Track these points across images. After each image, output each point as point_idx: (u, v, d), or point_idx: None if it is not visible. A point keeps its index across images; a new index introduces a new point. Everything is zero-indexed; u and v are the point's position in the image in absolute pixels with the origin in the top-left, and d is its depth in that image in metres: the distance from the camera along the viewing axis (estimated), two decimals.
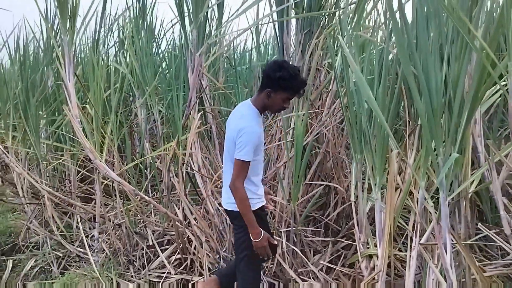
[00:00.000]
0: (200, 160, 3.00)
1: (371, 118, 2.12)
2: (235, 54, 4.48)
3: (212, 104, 3.57)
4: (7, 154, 2.93)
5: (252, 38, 4.05)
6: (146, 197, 2.44)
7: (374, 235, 2.17)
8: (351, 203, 2.75)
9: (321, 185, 2.78)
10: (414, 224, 1.99)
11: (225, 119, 3.64)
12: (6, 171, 5.59)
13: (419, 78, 1.65)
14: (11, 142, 3.69)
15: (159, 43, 5.06)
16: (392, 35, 2.26)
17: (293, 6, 2.98)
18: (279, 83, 1.92)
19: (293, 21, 3.06)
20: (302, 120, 2.49)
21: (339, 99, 2.67)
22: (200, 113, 3.14)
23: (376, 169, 2.05)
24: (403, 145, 2.15)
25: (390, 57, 2.36)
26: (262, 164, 2.16)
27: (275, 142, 2.88)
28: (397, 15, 1.81)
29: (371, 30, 2.48)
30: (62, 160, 3.91)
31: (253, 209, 2.02)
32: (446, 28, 1.75)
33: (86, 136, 2.97)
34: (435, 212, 1.86)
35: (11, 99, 3.83)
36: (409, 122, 2.11)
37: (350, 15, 2.71)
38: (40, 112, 3.91)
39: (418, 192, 1.97)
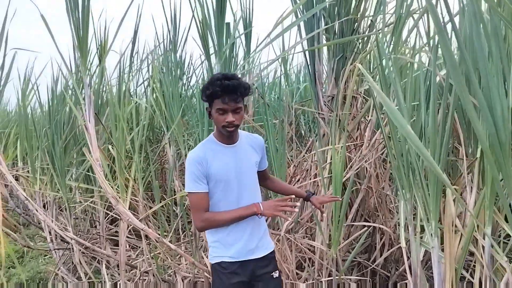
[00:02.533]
0: None
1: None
2: (264, 85, 4.30)
3: None
4: (30, 200, 2.81)
5: (280, 66, 3.84)
6: (171, 245, 2.23)
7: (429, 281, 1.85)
8: (399, 246, 2.45)
9: (364, 226, 2.48)
10: (480, 278, 1.67)
11: None
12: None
13: (481, 106, 1.38)
14: (38, 186, 3.60)
15: (189, 78, 4.97)
16: (439, 55, 2.00)
17: (324, 32, 2.78)
18: (204, 97, 1.75)
19: (325, 47, 2.86)
20: (339, 153, 2.23)
21: (380, 129, 2.40)
22: None
23: (430, 212, 1.75)
24: (460, 182, 1.85)
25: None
26: (235, 203, 1.78)
27: (310, 179, 2.63)
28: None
29: (412, 52, 2.22)
30: (91, 202, 3.79)
31: (213, 262, 1.83)
32: (508, 45, 1.48)
33: (113, 178, 2.83)
34: (508, 263, 1.54)
35: (39, 141, 3.77)
36: (465, 155, 1.81)
37: (388, 36, 2.46)
38: (71, 152, 3.84)
39: (484, 238, 1.66)
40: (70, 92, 4.19)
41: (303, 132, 4.82)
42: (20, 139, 5.41)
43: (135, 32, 4.51)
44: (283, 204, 1.70)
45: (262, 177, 2.00)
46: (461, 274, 1.77)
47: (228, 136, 1.79)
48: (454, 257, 1.68)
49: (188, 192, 1.74)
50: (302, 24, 2.82)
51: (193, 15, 2.79)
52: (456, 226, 1.76)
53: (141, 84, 4.98)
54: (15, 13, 3.38)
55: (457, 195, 1.54)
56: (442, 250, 1.82)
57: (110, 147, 3.20)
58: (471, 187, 1.79)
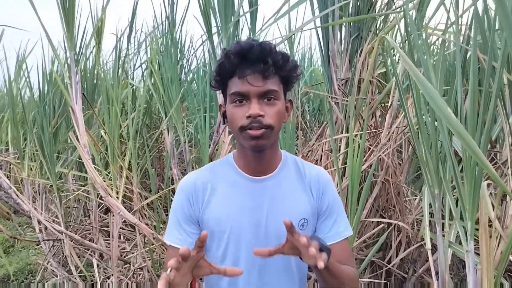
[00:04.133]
0: None
1: (452, 137, 1.61)
2: None
3: None
4: (16, 190, 2.57)
5: (286, 48, 3.58)
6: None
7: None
8: (419, 244, 2.22)
9: (379, 222, 2.25)
10: None
11: None
12: (33, 199, 5.34)
13: None
14: (27, 173, 3.36)
15: (189, 61, 4.71)
16: (477, 32, 1.75)
17: (338, 9, 2.52)
18: (214, 81, 1.07)
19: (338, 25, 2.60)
20: (357, 142, 2.00)
21: (402, 115, 2.16)
22: (230, 136, 2.71)
23: (466, 211, 1.51)
24: (502, 176, 1.61)
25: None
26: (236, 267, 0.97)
27: None
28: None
29: (445, 30, 1.96)
30: (84, 191, 3.56)
31: None
32: None
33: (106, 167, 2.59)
34: None
35: (27, 125, 3.53)
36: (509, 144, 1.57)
37: (411, 13, 2.21)
38: (63, 137, 3.61)
39: None
40: (60, 72, 3.94)
41: (307, 121, 4.59)
42: (11, 123, 5.17)
43: (133, 13, 4.26)
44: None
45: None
46: (501, 282, 1.54)
47: (252, 156, 1.06)
48: (492, 264, 1.45)
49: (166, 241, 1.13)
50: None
51: None
52: (494, 227, 1.53)
53: (138, 67, 4.73)
54: None
55: (502, 185, 1.30)
56: (476, 253, 1.59)
57: (103, 132, 2.95)
58: None
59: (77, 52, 2.54)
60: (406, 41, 1.76)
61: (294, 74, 1.05)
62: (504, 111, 1.64)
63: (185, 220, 1.10)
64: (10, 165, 5.11)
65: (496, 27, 1.79)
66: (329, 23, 2.34)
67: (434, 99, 1.30)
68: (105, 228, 3.67)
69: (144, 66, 4.64)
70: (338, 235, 1.13)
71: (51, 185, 3.69)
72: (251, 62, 0.98)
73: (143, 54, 4.76)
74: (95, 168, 2.16)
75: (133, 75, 4.63)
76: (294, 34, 3.01)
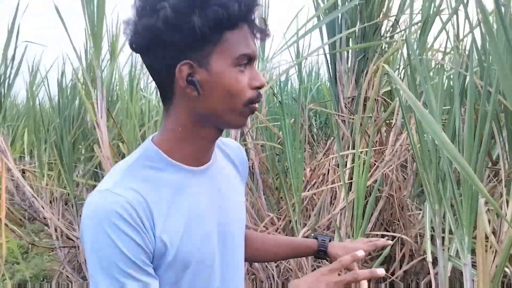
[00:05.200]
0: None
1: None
2: (278, 85, 4.20)
3: (255, 138, 3.27)
4: (37, 197, 2.72)
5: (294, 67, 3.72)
6: None
7: None
8: (422, 258, 2.33)
9: (384, 235, 2.36)
10: None
11: (268, 155, 3.33)
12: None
13: None
14: (45, 181, 3.52)
15: None
16: (475, 56, 1.88)
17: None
18: (198, 26, 0.69)
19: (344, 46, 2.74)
20: (363, 158, 2.12)
21: (405, 134, 2.28)
22: None
23: (463, 226, 1.63)
24: (498, 193, 1.73)
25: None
26: None
27: (327, 184, 2.51)
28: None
29: (444, 53, 2.10)
30: None
31: None
32: None
33: None
34: None
35: (47, 135, 3.70)
36: (504, 163, 1.69)
37: (414, 36, 2.35)
38: (80, 147, 3.76)
39: None
40: (80, 86, 4.11)
41: (314, 134, 4.72)
42: (28, 133, 5.35)
43: None
44: (349, 280, 0.78)
45: None
46: None
47: (215, 139, 0.82)
48: (488, 275, 1.56)
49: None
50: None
51: None
52: (490, 241, 1.64)
53: (152, 81, 4.90)
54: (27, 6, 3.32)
55: (495, 206, 1.41)
56: (473, 266, 1.70)
57: (120, 143, 3.10)
58: (507, 200, 1.66)
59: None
60: (408, 66, 1.90)
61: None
62: (499, 133, 1.76)
63: (146, 257, 0.72)
64: (24, 172, 5.28)
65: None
66: (337, 50, 2.48)
67: (432, 126, 1.41)
68: None
69: None
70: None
71: (67, 194, 3.85)
72: (254, 17, 0.74)
73: None
74: None
75: (148, 87, 4.80)
76: (305, 58, 3.14)
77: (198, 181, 0.80)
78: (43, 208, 2.73)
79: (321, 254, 1.11)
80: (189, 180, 0.79)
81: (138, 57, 4.35)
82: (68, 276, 3.37)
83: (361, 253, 0.83)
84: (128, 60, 4.01)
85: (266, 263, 2.49)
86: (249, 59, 0.75)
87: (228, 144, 0.95)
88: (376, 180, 2.25)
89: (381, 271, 0.79)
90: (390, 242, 1.07)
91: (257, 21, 0.75)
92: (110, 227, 0.68)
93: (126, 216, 0.69)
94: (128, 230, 0.69)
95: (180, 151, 0.78)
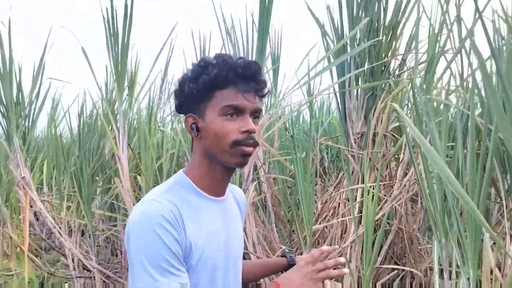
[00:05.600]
0: (255, 235, 2.74)
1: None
2: (290, 120, 4.33)
3: (267, 171, 3.36)
4: (59, 229, 2.83)
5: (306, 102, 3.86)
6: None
7: None
8: None
9: (394, 269, 2.41)
10: None
11: (279, 188, 3.41)
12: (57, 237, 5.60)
13: None
14: (65, 212, 3.64)
15: None
16: (476, 96, 1.98)
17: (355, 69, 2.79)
18: (194, 88, 0.96)
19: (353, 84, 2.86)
20: (371, 193, 2.20)
21: (412, 169, 2.36)
22: (254, 183, 2.93)
23: (468, 259, 1.69)
24: (497, 229, 1.79)
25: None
26: None
27: (338, 218, 2.58)
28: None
29: (447, 91, 2.20)
30: (115, 231, 3.80)
31: None
32: None
33: None
34: None
35: (67, 169, 3.84)
36: (504, 201, 1.76)
37: (420, 74, 2.46)
38: (97, 179, 3.89)
39: None
40: (103, 121, 4.30)
41: (326, 168, 4.79)
42: (47, 164, 5.52)
43: (166, 69, 4.61)
44: (321, 268, 1.00)
45: None
46: None
47: (226, 175, 1.01)
48: None
49: None
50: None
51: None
52: (495, 275, 1.69)
53: (168, 115, 5.07)
54: (52, 45, 3.53)
55: (498, 242, 1.48)
56: None
57: (138, 176, 3.22)
58: (511, 235, 1.72)
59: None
60: (414, 105, 2.00)
61: (265, 97, 1.06)
62: (500, 169, 1.84)
63: (177, 253, 0.89)
64: (44, 204, 5.41)
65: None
66: (346, 89, 2.61)
67: (437, 163, 1.51)
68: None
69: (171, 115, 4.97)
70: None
71: (84, 225, 3.95)
72: (249, 78, 0.96)
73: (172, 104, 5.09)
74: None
75: (163, 121, 4.97)
76: (316, 97, 3.28)
77: (215, 207, 1.01)
78: (64, 238, 2.82)
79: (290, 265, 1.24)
80: (209, 205, 1.00)
81: (155, 92, 4.54)
82: None
83: (326, 248, 1.06)
84: (146, 94, 4.19)
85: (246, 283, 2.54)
86: (237, 109, 0.95)
87: (236, 190, 1.19)
88: (384, 214, 2.32)
89: (342, 259, 1.07)
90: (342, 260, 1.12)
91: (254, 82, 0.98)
92: (157, 226, 0.87)
93: (168, 218, 0.89)
94: (170, 228, 0.88)
95: (202, 182, 1.00)
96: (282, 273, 1.23)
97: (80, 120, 4.10)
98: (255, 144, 0.96)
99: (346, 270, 1.08)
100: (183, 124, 1.03)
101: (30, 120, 3.81)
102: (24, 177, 2.86)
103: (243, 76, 0.96)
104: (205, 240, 0.95)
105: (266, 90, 1.01)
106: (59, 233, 2.77)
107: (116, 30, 2.56)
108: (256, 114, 0.99)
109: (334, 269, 1.03)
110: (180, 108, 1.03)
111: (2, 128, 3.34)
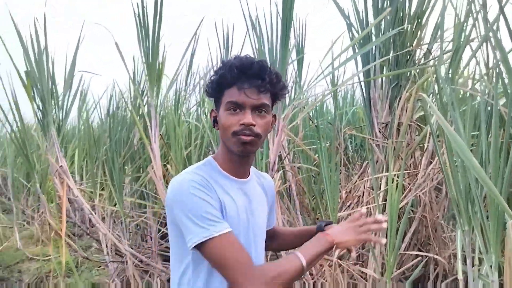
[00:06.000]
0: (280, 222, 2.83)
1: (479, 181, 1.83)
2: (315, 109, 4.37)
3: (291, 161, 3.43)
4: (93, 214, 2.98)
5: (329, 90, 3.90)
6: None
7: None
8: (455, 278, 2.40)
9: (417, 255, 2.46)
10: None
11: (304, 177, 3.47)
12: (92, 223, 5.83)
13: None
14: (98, 200, 3.81)
15: None
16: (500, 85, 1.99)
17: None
18: (210, 89, 1.19)
19: (378, 74, 2.89)
20: (396, 181, 2.25)
21: (436, 158, 2.40)
22: (280, 172, 3.00)
23: (490, 245, 1.73)
24: None
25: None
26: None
27: (362, 206, 2.64)
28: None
29: (472, 81, 2.22)
30: (145, 218, 3.95)
31: None
32: None
33: None
34: None
35: (99, 158, 4.01)
36: None
37: (445, 64, 2.47)
38: (126, 168, 4.04)
39: None
40: (133, 113, 4.43)
41: (350, 157, 4.82)
42: (78, 154, 5.74)
43: (191, 60, 4.70)
44: (362, 222, 1.17)
45: (267, 239, 1.33)
46: None
47: (239, 160, 1.17)
48: None
49: (208, 239, 1.03)
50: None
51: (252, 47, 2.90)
52: None
53: (194, 106, 5.18)
54: (84, 37, 3.66)
55: None
56: (501, 284, 1.78)
57: (166, 164, 3.35)
58: None
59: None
60: (439, 95, 2.03)
61: (282, 93, 1.20)
62: None
63: (216, 206, 1.09)
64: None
65: None
66: (371, 78, 2.64)
67: (462, 151, 1.55)
68: (162, 253, 4.03)
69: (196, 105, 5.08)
70: (273, 221, 1.45)
71: (116, 212, 4.12)
72: (250, 77, 1.10)
73: (197, 94, 5.20)
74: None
75: (189, 112, 5.09)
76: (340, 87, 3.31)
77: (237, 187, 1.20)
78: (99, 224, 2.97)
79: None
80: (232, 184, 1.19)
81: (181, 84, 4.65)
82: None
83: (364, 210, 1.21)
84: (173, 86, 4.30)
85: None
86: (237, 105, 1.12)
87: (265, 177, 1.38)
88: (408, 202, 2.36)
89: (380, 216, 1.22)
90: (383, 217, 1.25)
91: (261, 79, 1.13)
92: (192, 189, 1.07)
93: (200, 182, 1.09)
94: (204, 189, 1.09)
95: (225, 165, 1.20)
96: None
97: (109, 111, 4.25)
98: (252, 135, 1.11)
99: (384, 225, 1.22)
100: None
101: (64, 112, 3.98)
102: (61, 166, 3.00)
103: (246, 75, 1.11)
104: (231, 213, 1.14)
105: (270, 86, 1.14)
106: (95, 219, 2.91)
107: (146, 24, 2.65)
108: (261, 108, 1.13)
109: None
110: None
111: (38, 120, 3.50)
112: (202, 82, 5.08)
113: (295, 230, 1.47)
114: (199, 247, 1.05)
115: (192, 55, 4.69)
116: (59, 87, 3.80)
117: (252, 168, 1.30)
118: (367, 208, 2.61)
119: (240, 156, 1.17)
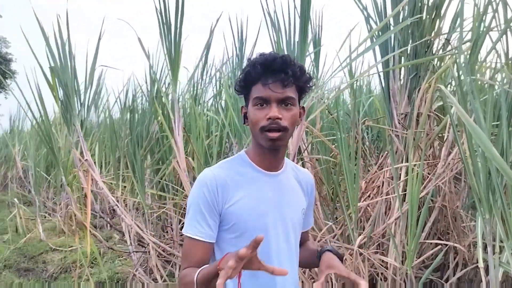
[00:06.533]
0: None
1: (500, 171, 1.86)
2: (333, 101, 4.39)
3: (310, 152, 3.47)
4: (119, 205, 3.07)
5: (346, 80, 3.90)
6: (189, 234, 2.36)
7: None
8: (475, 266, 2.43)
9: (437, 244, 2.49)
10: None
11: (322, 169, 3.51)
12: (113, 215, 5.97)
13: None
14: (120, 192, 3.90)
15: None
16: None
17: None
18: (238, 87, 1.23)
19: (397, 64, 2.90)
20: (416, 171, 2.28)
21: (456, 148, 2.42)
22: (299, 164, 3.05)
23: (511, 233, 1.76)
24: None
25: None
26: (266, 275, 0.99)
27: (381, 196, 2.67)
28: None
29: (494, 70, 2.23)
30: (166, 209, 4.04)
31: None
32: None
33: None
34: None
35: (120, 151, 4.10)
36: None
37: (465, 54, 2.48)
38: (147, 160, 4.13)
39: None
40: (157, 107, 4.50)
41: (367, 148, 4.83)
42: (99, 147, 5.86)
43: (207, 53, 4.76)
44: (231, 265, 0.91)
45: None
46: None
47: (269, 153, 1.21)
48: None
49: (186, 236, 1.18)
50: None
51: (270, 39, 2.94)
52: None
53: (210, 99, 5.24)
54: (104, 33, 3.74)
55: None
56: None
57: (187, 157, 3.42)
58: None
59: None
60: (459, 85, 2.05)
61: (308, 85, 1.22)
62: None
63: (210, 213, 1.16)
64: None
65: None
66: (390, 68, 2.66)
67: (483, 141, 1.58)
68: (182, 243, 4.12)
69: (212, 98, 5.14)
70: (309, 223, 1.45)
71: (138, 203, 4.23)
72: (274, 72, 1.14)
73: (214, 87, 5.25)
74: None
75: (206, 105, 5.15)
76: (359, 78, 3.33)
77: (267, 179, 1.24)
78: (124, 215, 3.07)
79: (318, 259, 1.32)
80: (262, 177, 1.24)
81: (198, 77, 4.70)
82: (140, 278, 3.70)
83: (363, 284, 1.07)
84: (190, 81, 4.36)
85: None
86: (263, 100, 1.16)
87: (301, 171, 1.39)
88: (429, 192, 2.39)
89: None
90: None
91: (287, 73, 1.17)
92: (203, 186, 1.17)
93: (209, 184, 1.17)
94: (207, 192, 1.17)
95: (256, 159, 1.24)
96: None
97: (127, 104, 4.34)
98: (279, 129, 1.14)
99: None
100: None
101: (86, 106, 4.07)
102: (86, 159, 3.10)
103: (269, 70, 1.15)
104: (253, 206, 1.20)
105: (294, 79, 1.16)
106: (121, 210, 3.00)
107: (168, 20, 2.71)
108: (286, 102, 1.16)
109: None
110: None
111: (62, 114, 3.59)
112: (218, 75, 5.14)
113: (311, 249, 1.41)
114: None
115: (208, 47, 4.74)
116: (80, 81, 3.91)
117: (291, 163, 1.36)
118: (387, 198, 2.65)
119: (270, 150, 1.21)
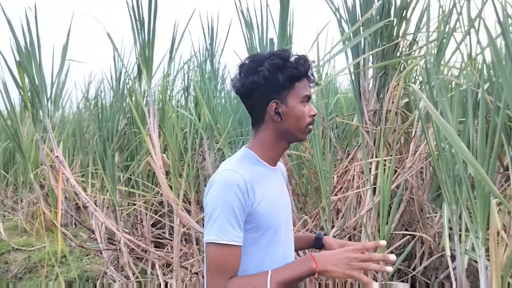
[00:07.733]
0: None
1: (466, 163, 1.98)
2: None
3: None
4: (92, 203, 3.03)
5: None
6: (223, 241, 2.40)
7: None
8: (440, 255, 2.58)
9: (405, 235, 2.62)
10: None
11: (295, 164, 3.59)
12: (79, 213, 5.83)
13: None
14: (90, 189, 3.84)
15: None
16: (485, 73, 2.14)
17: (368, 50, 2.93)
18: (285, 79, 1.17)
19: (367, 64, 3.01)
20: (387, 166, 2.39)
21: (424, 143, 2.54)
22: None
23: (478, 223, 1.89)
24: (508, 195, 1.98)
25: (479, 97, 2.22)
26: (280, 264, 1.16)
27: (352, 189, 2.78)
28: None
29: (460, 69, 2.36)
30: (137, 206, 4.01)
31: None
32: None
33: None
34: None
35: (89, 148, 4.03)
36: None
37: (431, 54, 2.61)
38: (116, 156, 4.07)
39: None
40: (131, 104, 4.41)
41: (335, 143, 4.96)
42: (63, 143, 5.72)
43: (172, 49, 4.72)
44: (364, 258, 1.05)
45: None
46: (508, 282, 1.89)
47: (284, 148, 1.26)
48: (500, 265, 1.81)
49: (209, 243, 1.11)
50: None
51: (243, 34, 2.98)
52: (501, 236, 1.89)
53: (177, 93, 5.20)
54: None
55: (505, 203, 1.68)
56: (486, 258, 1.95)
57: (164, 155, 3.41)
58: None
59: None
60: (427, 83, 2.17)
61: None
62: (508, 143, 2.02)
63: (242, 217, 1.12)
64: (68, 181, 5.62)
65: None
66: (361, 69, 2.76)
67: (451, 135, 1.68)
68: (153, 239, 4.10)
69: (180, 92, 5.10)
70: None
71: (108, 201, 4.17)
72: (309, 71, 1.23)
73: (181, 82, 5.21)
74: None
75: (176, 99, 5.10)
76: (333, 79, 3.43)
77: (273, 174, 1.28)
78: (97, 212, 3.03)
79: (318, 242, 1.45)
80: (270, 172, 1.26)
81: (165, 72, 4.66)
82: (112, 276, 3.67)
83: (383, 242, 1.17)
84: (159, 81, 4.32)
85: None
86: (308, 98, 1.23)
87: (278, 164, 1.38)
88: (398, 186, 2.51)
89: (393, 257, 1.06)
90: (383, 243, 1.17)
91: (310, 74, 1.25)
92: (235, 188, 1.11)
93: (241, 186, 1.12)
94: (241, 194, 1.12)
95: (265, 154, 1.25)
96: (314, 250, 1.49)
97: (96, 99, 4.26)
98: None
99: (389, 268, 1.08)
100: (265, 120, 1.22)
101: (53, 102, 3.97)
102: (57, 156, 3.03)
103: (308, 70, 1.22)
104: (274, 203, 1.23)
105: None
106: (93, 207, 2.96)
107: (141, 17, 2.69)
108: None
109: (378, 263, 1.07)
110: (249, 95, 1.23)
111: (29, 111, 3.50)
112: (186, 68, 5.10)
113: (296, 235, 1.45)
114: (207, 241, 1.12)
115: (172, 44, 4.69)
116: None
117: None
118: (358, 192, 2.75)
119: (287, 147, 1.28)
